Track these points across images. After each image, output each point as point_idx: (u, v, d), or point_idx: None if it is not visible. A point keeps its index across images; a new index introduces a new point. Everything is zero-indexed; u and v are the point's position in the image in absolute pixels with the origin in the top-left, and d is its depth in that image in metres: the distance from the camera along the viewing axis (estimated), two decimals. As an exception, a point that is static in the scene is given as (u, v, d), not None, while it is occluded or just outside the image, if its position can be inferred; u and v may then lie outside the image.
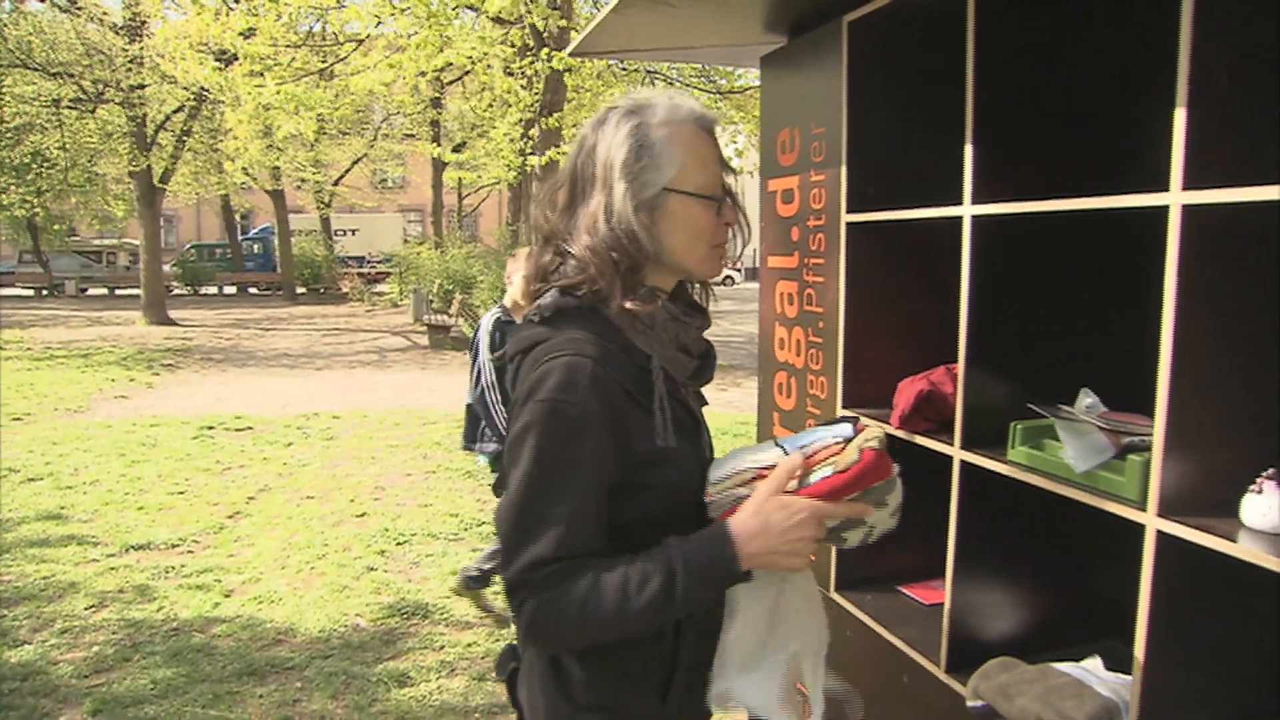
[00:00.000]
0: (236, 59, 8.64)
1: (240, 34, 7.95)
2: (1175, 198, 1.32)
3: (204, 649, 3.70)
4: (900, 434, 1.98)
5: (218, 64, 9.06)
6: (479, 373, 3.78)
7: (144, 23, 15.27)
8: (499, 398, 3.68)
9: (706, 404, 1.44)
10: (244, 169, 19.31)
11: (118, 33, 15.66)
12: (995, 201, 1.71)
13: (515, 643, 1.39)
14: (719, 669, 1.29)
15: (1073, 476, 1.58)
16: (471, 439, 3.91)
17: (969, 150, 1.75)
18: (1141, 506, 1.41)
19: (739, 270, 39.40)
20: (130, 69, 15.58)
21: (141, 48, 15.18)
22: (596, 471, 1.15)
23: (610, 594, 1.12)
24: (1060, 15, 1.77)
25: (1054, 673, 1.72)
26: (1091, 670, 1.75)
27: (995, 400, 1.81)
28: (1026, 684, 1.69)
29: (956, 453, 1.81)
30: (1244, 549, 1.25)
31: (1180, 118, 1.31)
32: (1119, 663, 1.74)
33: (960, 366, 1.79)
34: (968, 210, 1.75)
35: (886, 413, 2.04)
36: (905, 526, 2.24)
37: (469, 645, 3.79)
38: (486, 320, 3.81)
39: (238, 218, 30.09)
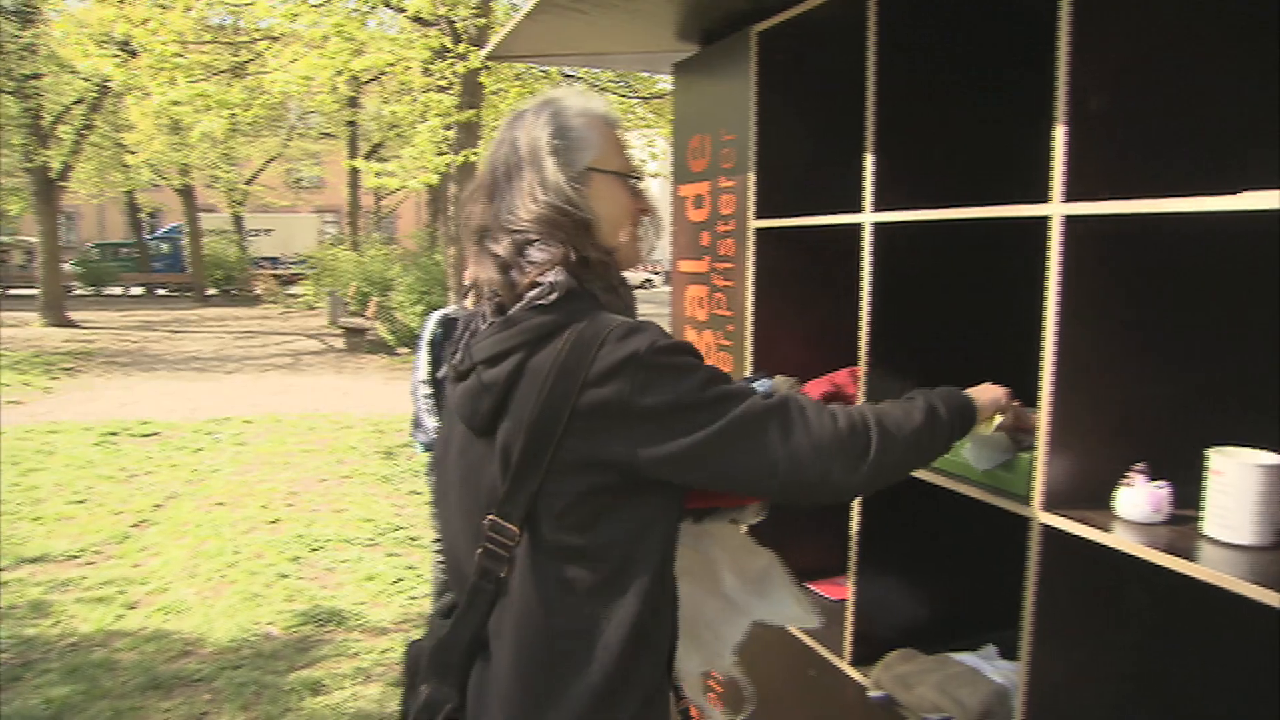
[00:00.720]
0: (139, 52, 8.35)
1: (142, 24, 7.67)
2: (1056, 208, 1.39)
3: (104, 664, 3.57)
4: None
5: (120, 55, 8.73)
6: (416, 367, 3.88)
7: (36, 9, 14.59)
8: (429, 394, 3.79)
9: None
10: (151, 166, 18.63)
11: (7, 18, 14.94)
12: (894, 209, 1.78)
13: (438, 687, 1.24)
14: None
15: (971, 474, 1.65)
16: (413, 425, 3.99)
17: (869, 159, 1.81)
18: (1027, 501, 1.48)
19: (658, 274, 39.62)
20: (23, 57, 14.87)
21: (36, 34, 14.51)
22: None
23: (891, 407, 1.29)
24: (959, 28, 1.85)
25: (951, 662, 1.80)
26: (987, 659, 1.83)
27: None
28: (924, 673, 1.76)
29: (859, 452, 1.87)
30: (1117, 538, 1.33)
31: (1060, 133, 1.38)
32: (1012, 650, 1.83)
33: (862, 369, 1.85)
34: (868, 218, 1.81)
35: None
36: (813, 525, 2.32)
37: (385, 651, 3.74)
38: (433, 317, 3.90)
39: (145, 216, 28.96)
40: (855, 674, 1.91)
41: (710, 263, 2.38)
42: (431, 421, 3.80)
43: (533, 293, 1.19)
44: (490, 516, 1.18)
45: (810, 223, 2.02)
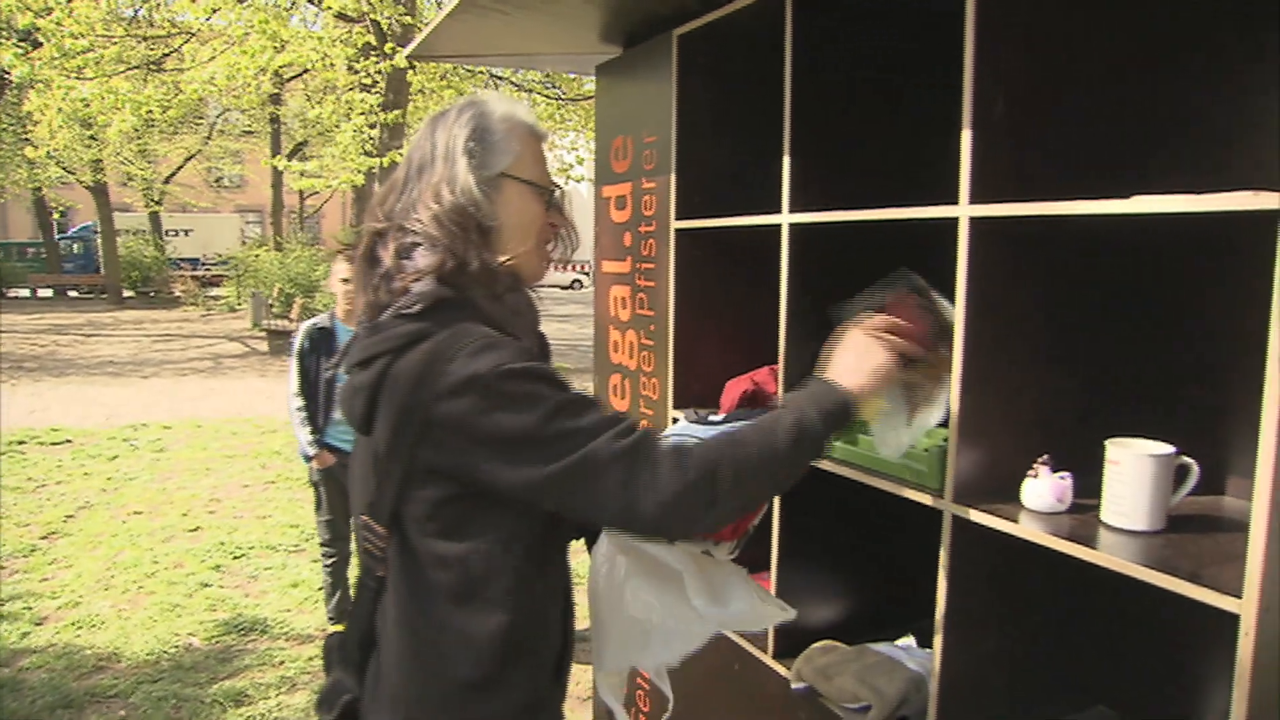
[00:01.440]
0: (41, 42, 8.02)
1: (45, 14, 7.38)
2: (963, 210, 1.44)
3: (10, 684, 3.43)
4: (729, 432, 2.06)
5: (21, 46, 8.37)
6: (289, 378, 3.84)
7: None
8: (300, 405, 3.76)
9: None
10: (59, 162, 17.88)
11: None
12: (810, 210, 1.82)
13: (341, 677, 1.30)
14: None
15: (886, 468, 1.69)
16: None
17: (786, 161, 1.85)
18: (940, 494, 1.53)
19: (586, 274, 39.61)
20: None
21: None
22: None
23: (753, 435, 1.18)
24: (875, 34, 1.89)
25: (870, 652, 1.84)
26: (905, 649, 1.88)
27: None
28: (844, 664, 1.80)
29: (779, 449, 1.91)
30: (1023, 528, 1.38)
31: (966, 138, 1.43)
32: (930, 640, 1.88)
33: (780, 366, 1.88)
34: (785, 219, 1.85)
35: (714, 412, 2.12)
36: (737, 521, 2.34)
37: (310, 659, 3.67)
38: (302, 328, 3.85)
39: (55, 215, 27.81)
40: (778, 667, 1.94)
41: (633, 263, 2.39)
42: (304, 434, 3.72)
43: (401, 300, 1.19)
44: (363, 516, 1.24)
45: (730, 223, 2.05)
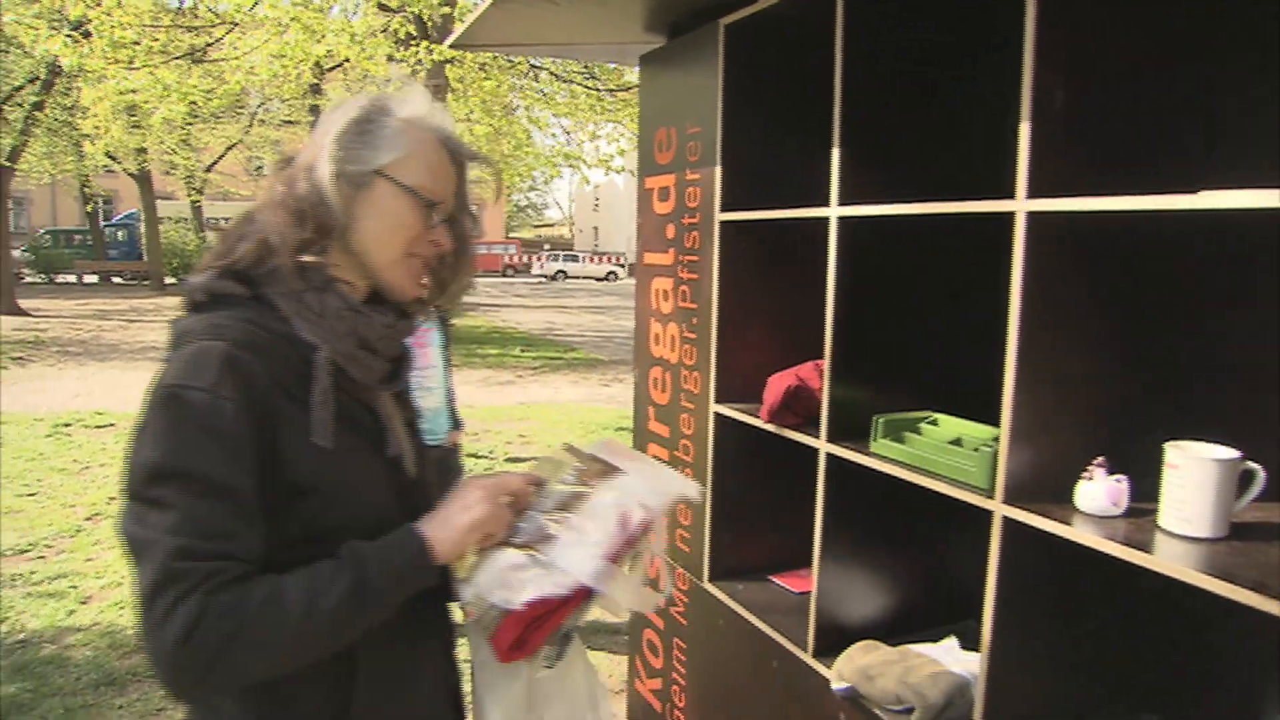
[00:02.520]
0: (91, 33, 8.15)
1: (95, 6, 7.49)
2: (1020, 205, 1.40)
3: (55, 660, 3.49)
4: (770, 428, 2.04)
5: (72, 35, 8.51)
6: None
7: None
8: None
9: (416, 421, 1.34)
10: (106, 152, 18.20)
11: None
12: (859, 203, 1.79)
13: None
14: None
15: (933, 467, 1.66)
16: None
17: (835, 153, 1.82)
18: (990, 494, 1.49)
19: (622, 265, 39.66)
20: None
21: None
22: (244, 465, 1.00)
23: (296, 594, 1.00)
24: (927, 23, 1.86)
25: (912, 654, 1.81)
26: (948, 650, 1.85)
27: (858, 394, 1.88)
28: (887, 665, 1.78)
29: (822, 445, 1.88)
30: (1077, 531, 1.35)
31: (1024, 130, 1.39)
32: (973, 642, 1.84)
33: (826, 362, 1.85)
34: (833, 211, 1.82)
35: (757, 407, 2.10)
36: (776, 518, 2.33)
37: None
38: None
39: (100, 203, 28.33)
40: (818, 666, 1.92)
41: (676, 255, 2.37)
42: None
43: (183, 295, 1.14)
44: None
45: (776, 216, 2.02)
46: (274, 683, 1.07)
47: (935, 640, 1.91)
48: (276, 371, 1.06)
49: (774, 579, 2.31)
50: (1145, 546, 1.28)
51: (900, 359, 1.95)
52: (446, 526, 1.13)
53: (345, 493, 1.11)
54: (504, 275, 38.27)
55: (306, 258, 1.09)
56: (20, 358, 12.01)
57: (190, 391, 1.00)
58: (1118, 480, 1.40)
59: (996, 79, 1.91)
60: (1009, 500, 1.46)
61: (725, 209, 2.16)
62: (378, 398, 1.21)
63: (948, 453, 1.65)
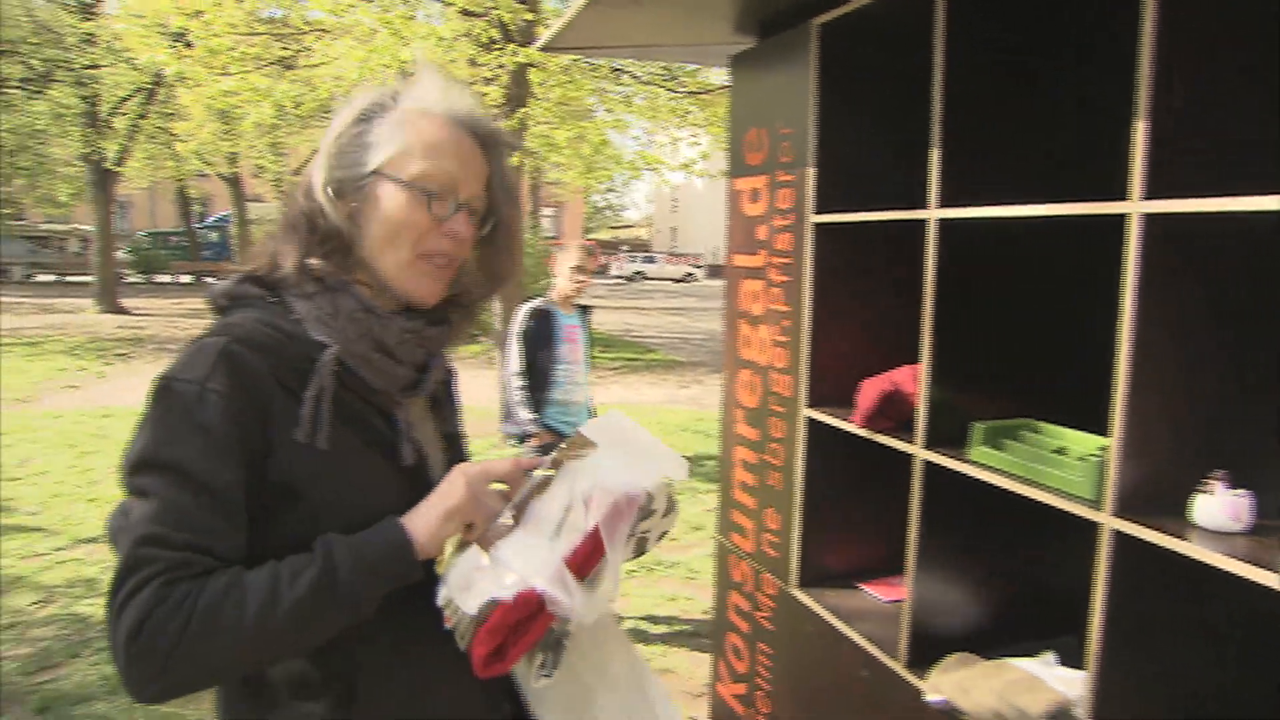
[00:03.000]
0: (192, 43, 8.47)
1: (195, 15, 7.79)
2: (1134, 206, 1.35)
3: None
4: (864, 433, 2.01)
5: (174, 46, 8.87)
6: (508, 359, 3.97)
7: (97, 0, 14.89)
8: (522, 385, 3.89)
9: (458, 434, 1.29)
10: (199, 155, 18.92)
11: (69, 10, 15.26)
12: (960, 205, 1.74)
13: None
14: None
15: (1035, 476, 1.62)
16: (503, 418, 4.06)
17: (935, 154, 1.78)
18: (1098, 506, 1.44)
19: (700, 267, 39.61)
20: (82, 48, 15.19)
21: (95, 26, 14.81)
22: (227, 459, 0.97)
23: (258, 585, 0.94)
24: (1029, 22, 1.81)
25: (1010, 668, 1.76)
26: (1047, 666, 1.79)
27: (956, 400, 1.84)
28: (984, 679, 1.73)
29: (918, 452, 1.84)
30: (1195, 548, 1.29)
31: (1141, 129, 1.34)
32: (1072, 658, 1.79)
33: (922, 367, 1.81)
34: (933, 214, 1.78)
35: (849, 411, 2.07)
36: (865, 524, 2.30)
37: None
38: (523, 309, 4.00)
39: (194, 205, 29.49)
40: (910, 677, 1.88)
41: (767, 257, 2.35)
42: (524, 414, 3.86)
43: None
44: None
45: (872, 218, 1.99)
46: (271, 696, 1.05)
47: (1032, 655, 1.85)
48: (281, 370, 1.03)
49: (863, 586, 2.28)
50: (1272, 565, 1.21)
51: (998, 364, 1.90)
52: (425, 516, 1.06)
53: (344, 500, 1.05)
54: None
55: (313, 261, 1.07)
56: (123, 354, 12.58)
57: (180, 383, 0.99)
58: (1239, 494, 1.34)
59: (1104, 76, 1.85)
60: (1119, 513, 1.41)
61: (819, 211, 2.14)
62: (398, 405, 1.15)
63: (1052, 462, 1.60)
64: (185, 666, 0.92)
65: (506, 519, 1.06)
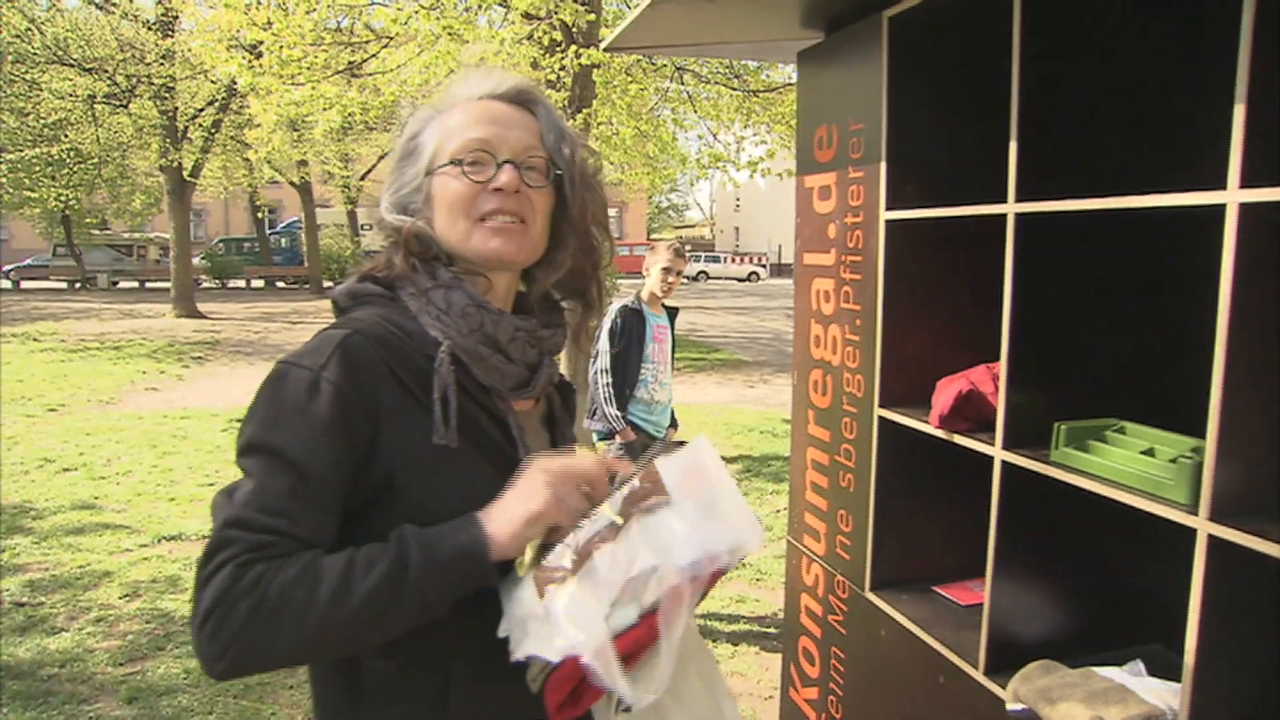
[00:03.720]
0: (264, 54, 8.69)
1: (265, 27, 7.99)
2: (1232, 196, 1.29)
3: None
4: (940, 434, 1.96)
5: (247, 57, 9.11)
6: (595, 355, 4.01)
7: (175, 17, 15.40)
8: (609, 382, 3.94)
9: (571, 441, 1.28)
10: (269, 163, 19.43)
11: (150, 28, 15.82)
12: (1040, 199, 1.69)
13: None
14: None
15: (1120, 478, 1.56)
16: (589, 415, 4.10)
17: (1013, 146, 1.72)
18: (1193, 510, 1.38)
19: (764, 266, 39.37)
20: (161, 63, 15.73)
21: (173, 42, 15.32)
22: (332, 453, 0.98)
23: (332, 572, 0.94)
24: (1110, 6, 1.75)
25: (1096, 677, 1.70)
26: (1135, 676, 1.73)
27: (1037, 400, 1.79)
28: (1069, 688, 1.67)
29: (998, 453, 1.79)
30: (1299, 555, 1.23)
31: (1239, 114, 1.28)
32: (1161, 668, 1.72)
33: (1002, 366, 1.76)
34: (1011, 208, 1.73)
35: (925, 411, 2.03)
36: (940, 527, 2.25)
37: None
38: (613, 307, 4.05)
39: (265, 212, 30.33)
40: (990, 684, 1.83)
41: (837, 255, 2.31)
42: (611, 411, 3.89)
43: None
44: None
45: (947, 214, 1.94)
46: (366, 698, 1.06)
47: (1119, 664, 1.79)
48: (399, 365, 1.05)
49: (938, 590, 2.22)
50: (1386, 573, 1.15)
51: (1081, 363, 1.84)
52: (504, 518, 1.01)
53: (444, 503, 1.03)
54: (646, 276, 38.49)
55: (415, 260, 1.12)
56: (199, 357, 12.98)
57: (296, 369, 1.01)
58: (1348, 498, 1.27)
59: (1195, 60, 1.78)
60: (1215, 517, 1.35)
61: (891, 207, 2.09)
62: (510, 408, 1.14)
63: (1141, 464, 1.54)
64: (253, 646, 0.92)
65: (566, 562, 0.99)
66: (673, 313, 4.29)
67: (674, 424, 4.34)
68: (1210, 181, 1.32)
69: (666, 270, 4.09)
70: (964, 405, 1.92)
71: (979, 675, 1.86)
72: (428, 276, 1.11)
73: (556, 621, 0.95)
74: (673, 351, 4.29)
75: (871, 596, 2.24)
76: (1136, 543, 1.85)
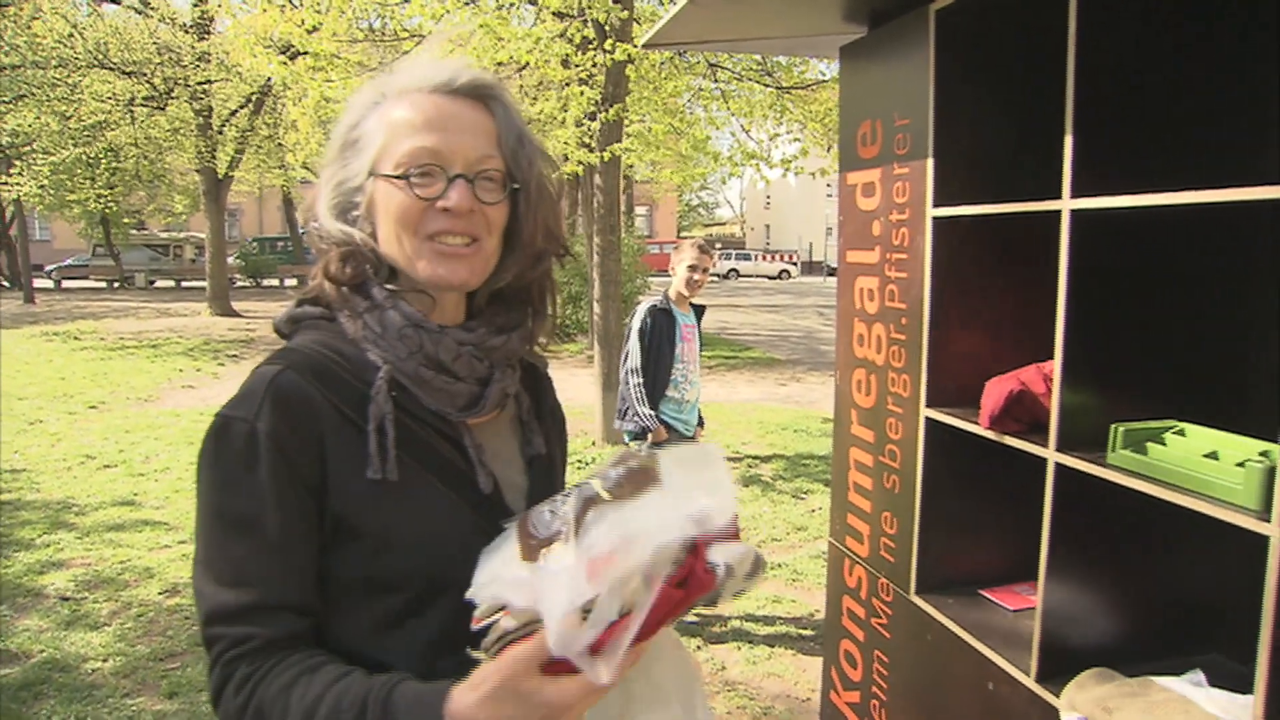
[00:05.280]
0: (300, 54, 8.77)
1: (300, 25, 8.06)
2: (1301, 190, 1.24)
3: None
4: (990, 435, 1.92)
5: (283, 58, 9.20)
6: (626, 356, 4.02)
7: (211, 20, 15.59)
8: (640, 382, 3.94)
9: (545, 456, 1.15)
10: (304, 164, 19.65)
11: (187, 31, 16.03)
12: (1096, 195, 1.64)
13: None
14: None
15: (1182, 481, 1.51)
16: (619, 415, 4.10)
17: (1068, 141, 1.68)
18: (1264, 516, 1.34)
19: (795, 264, 39.18)
20: (198, 66, 15.93)
21: (209, 45, 15.51)
22: (281, 505, 0.94)
23: (300, 711, 0.89)
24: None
25: (1156, 687, 1.66)
26: (1196, 686, 1.68)
27: (1091, 401, 1.74)
28: (1127, 698, 1.63)
29: (1051, 455, 1.75)
30: (1379, 564, 1.18)
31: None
32: (1222, 678, 1.67)
33: (1056, 366, 1.72)
34: (1066, 204, 1.68)
35: (972, 412, 1.99)
36: (988, 529, 2.20)
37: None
38: (642, 307, 4.06)
39: (299, 211, 30.66)
40: (1043, 692, 1.78)
41: (882, 252, 2.28)
42: (644, 409, 3.88)
43: None
44: None
45: (997, 210, 1.89)
46: None
47: (1177, 673, 1.74)
48: (340, 395, 0.98)
49: (985, 593, 2.18)
50: None
51: (1138, 363, 1.78)
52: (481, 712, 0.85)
53: (407, 534, 0.98)
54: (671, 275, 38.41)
55: (343, 276, 1.02)
56: (234, 355, 13.13)
57: (234, 422, 0.95)
58: None
59: (1255, 52, 1.73)
60: (1288, 523, 1.30)
61: (938, 204, 2.05)
62: (464, 426, 1.06)
63: (1205, 467, 1.49)
64: None
65: (554, 530, 0.90)
66: (700, 311, 4.29)
67: (701, 423, 4.34)
68: (1273, 175, 1.28)
69: (692, 268, 4.07)
70: (1015, 406, 1.87)
71: (1030, 682, 1.82)
72: (362, 298, 1.02)
73: (535, 587, 0.86)
74: (701, 350, 4.28)
75: (917, 600, 2.20)
76: (1193, 548, 1.80)
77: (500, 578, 0.90)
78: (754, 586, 0.99)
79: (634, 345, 3.96)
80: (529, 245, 1.07)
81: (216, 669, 0.93)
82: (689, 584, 0.87)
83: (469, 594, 0.92)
